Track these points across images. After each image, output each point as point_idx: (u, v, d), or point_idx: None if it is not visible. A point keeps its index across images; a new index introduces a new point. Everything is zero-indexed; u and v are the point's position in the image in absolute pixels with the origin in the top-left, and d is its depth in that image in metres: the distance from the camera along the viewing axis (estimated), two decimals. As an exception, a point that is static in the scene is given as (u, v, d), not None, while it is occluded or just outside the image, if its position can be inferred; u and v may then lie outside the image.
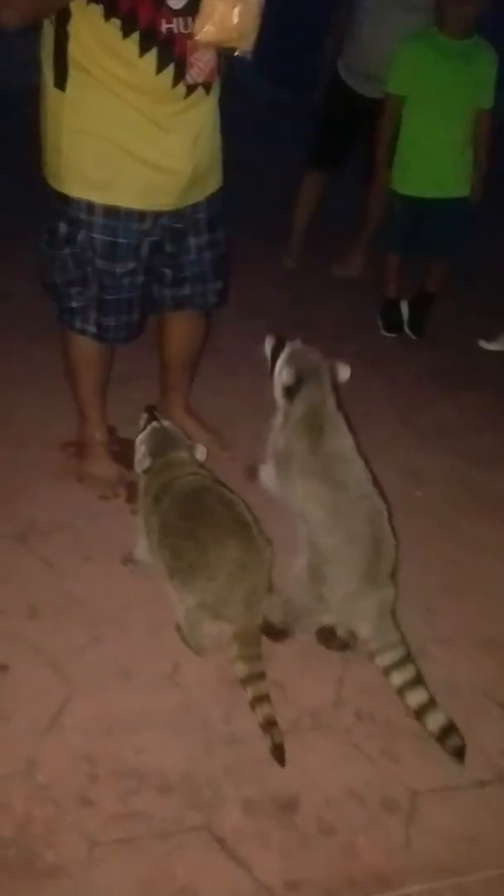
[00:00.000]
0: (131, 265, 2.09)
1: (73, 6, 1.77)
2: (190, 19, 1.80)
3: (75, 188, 1.98)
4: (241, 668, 1.81)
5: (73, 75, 1.86)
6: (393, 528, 1.96)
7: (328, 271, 4.01)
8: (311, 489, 1.91)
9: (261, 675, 1.80)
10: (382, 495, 1.98)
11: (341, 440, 1.95)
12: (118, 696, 1.86)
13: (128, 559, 2.17)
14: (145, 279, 2.17)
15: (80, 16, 1.78)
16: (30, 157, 2.17)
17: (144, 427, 2.10)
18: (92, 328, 2.18)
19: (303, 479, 1.92)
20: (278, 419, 1.98)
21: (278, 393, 1.97)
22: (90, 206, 1.99)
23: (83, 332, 2.20)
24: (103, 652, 1.97)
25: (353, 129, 3.71)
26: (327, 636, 2.00)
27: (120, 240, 2.03)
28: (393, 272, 3.54)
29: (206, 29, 1.73)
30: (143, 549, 2.06)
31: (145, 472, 2.04)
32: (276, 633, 1.97)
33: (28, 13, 1.77)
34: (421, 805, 1.70)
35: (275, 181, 4.06)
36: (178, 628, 1.96)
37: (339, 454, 1.94)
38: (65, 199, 2.01)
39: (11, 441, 2.62)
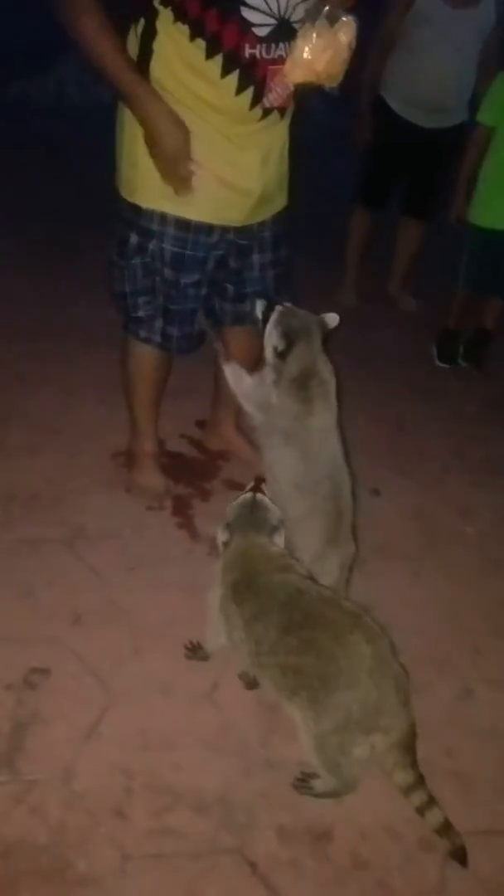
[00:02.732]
0: (196, 276, 2.12)
1: (159, 24, 1.81)
2: (273, 45, 1.83)
3: (149, 200, 2.01)
4: (403, 777, 1.62)
5: None
6: (355, 500, 2.10)
7: (385, 300, 4.00)
8: (285, 456, 2.00)
9: (422, 779, 1.63)
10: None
11: (327, 415, 2.02)
12: (157, 711, 1.86)
13: (194, 649, 1.96)
14: (208, 292, 2.19)
15: (166, 34, 1.82)
16: (96, 170, 2.21)
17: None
18: (157, 337, 2.21)
19: (283, 441, 2.01)
20: (270, 375, 2.03)
21: (269, 354, 2.02)
22: (163, 217, 2.02)
23: (148, 340, 2.22)
24: (144, 664, 1.97)
25: (403, 165, 3.62)
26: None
27: (188, 252, 2.06)
28: (459, 307, 3.50)
29: (294, 71, 1.79)
30: (215, 635, 1.86)
31: (224, 545, 1.82)
32: None
33: (72, 35, 1.81)
34: (458, 847, 1.66)
35: (338, 209, 4.06)
36: (306, 779, 1.71)
37: (323, 430, 2.01)
38: (137, 210, 2.04)
39: (66, 447, 2.65)
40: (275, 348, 2.01)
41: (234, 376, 2.18)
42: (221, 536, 1.82)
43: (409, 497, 2.69)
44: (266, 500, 1.84)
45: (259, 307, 2.08)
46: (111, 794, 1.68)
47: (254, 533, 1.80)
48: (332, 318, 2.07)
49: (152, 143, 1.90)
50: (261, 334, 2.45)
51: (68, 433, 2.72)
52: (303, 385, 2.00)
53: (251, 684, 1.90)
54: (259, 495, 1.84)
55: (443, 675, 2.04)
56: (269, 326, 2.04)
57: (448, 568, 2.41)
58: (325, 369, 2.04)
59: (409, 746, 1.63)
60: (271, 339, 2.03)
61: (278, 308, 2.06)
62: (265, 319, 2.06)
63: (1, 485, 2.46)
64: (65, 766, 1.71)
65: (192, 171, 1.92)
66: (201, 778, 1.73)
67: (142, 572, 2.23)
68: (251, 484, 1.89)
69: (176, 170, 1.92)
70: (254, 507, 1.82)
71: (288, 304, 2.09)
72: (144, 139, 1.91)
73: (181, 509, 2.48)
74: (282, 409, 2.02)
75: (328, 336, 2.07)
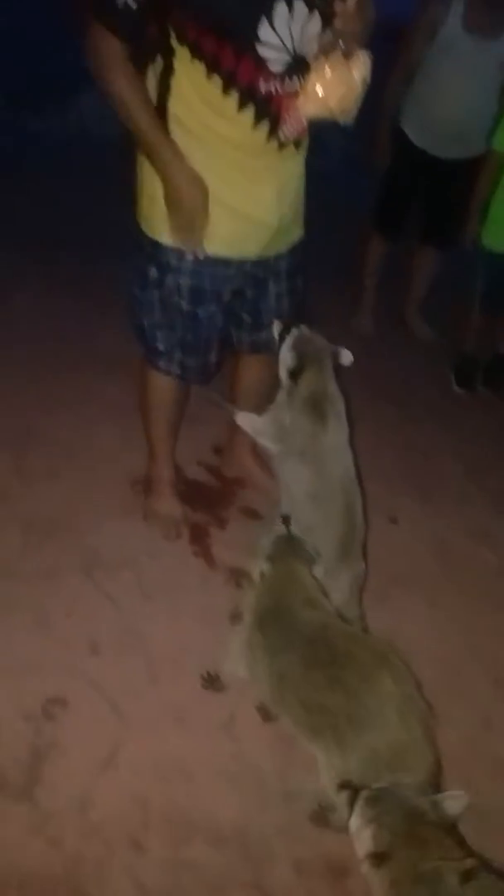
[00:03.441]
0: (214, 309, 2.14)
1: (176, 63, 1.84)
2: (288, 80, 1.85)
3: (167, 235, 2.04)
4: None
5: (171, 128, 1.92)
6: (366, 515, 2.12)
7: (402, 325, 4.00)
8: (301, 472, 2.05)
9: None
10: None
11: (340, 433, 2.09)
12: (173, 741, 1.85)
13: (211, 680, 1.97)
14: (224, 322, 2.21)
15: (183, 72, 1.85)
16: (115, 201, 2.24)
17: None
18: (176, 369, 2.23)
19: (298, 460, 2.06)
20: (283, 396, 2.12)
21: (283, 374, 2.11)
22: (180, 253, 2.04)
23: (167, 372, 2.24)
24: (161, 694, 1.97)
25: (419, 194, 3.62)
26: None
27: (206, 285, 2.08)
28: (473, 330, 3.51)
29: (307, 106, 1.81)
30: (235, 664, 1.85)
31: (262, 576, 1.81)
32: None
33: (104, 90, 1.86)
34: (479, 883, 1.63)
35: (353, 236, 4.08)
36: (324, 812, 1.70)
37: (337, 448, 2.08)
38: (156, 245, 2.06)
39: (84, 474, 2.66)
40: (288, 370, 2.10)
41: (246, 420, 2.24)
42: (264, 567, 1.80)
43: (427, 523, 2.68)
44: (299, 534, 1.86)
45: (276, 327, 2.16)
46: (128, 825, 1.67)
47: (294, 560, 1.80)
48: (346, 355, 2.14)
49: (170, 200, 1.94)
50: (275, 362, 2.48)
51: (86, 459, 2.74)
52: (315, 405, 2.07)
53: (268, 716, 1.88)
54: (293, 529, 1.86)
55: (462, 706, 2.03)
56: (283, 349, 2.12)
57: (467, 596, 2.39)
58: (336, 392, 2.11)
59: (435, 786, 1.60)
60: (285, 361, 2.11)
61: (294, 331, 2.12)
62: (281, 340, 2.14)
63: (20, 511, 2.48)
64: (82, 796, 1.71)
65: (204, 228, 1.97)
66: (218, 809, 1.72)
67: (158, 601, 2.23)
68: (280, 520, 1.91)
69: (191, 226, 1.96)
70: (291, 540, 1.84)
71: (304, 328, 2.15)
72: (164, 194, 1.95)
73: (198, 537, 2.48)
74: (295, 428, 2.08)
75: (339, 370, 2.13)
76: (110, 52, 1.80)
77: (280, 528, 1.89)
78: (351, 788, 1.48)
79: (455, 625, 2.27)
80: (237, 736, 1.88)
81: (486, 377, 3.56)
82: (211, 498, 2.66)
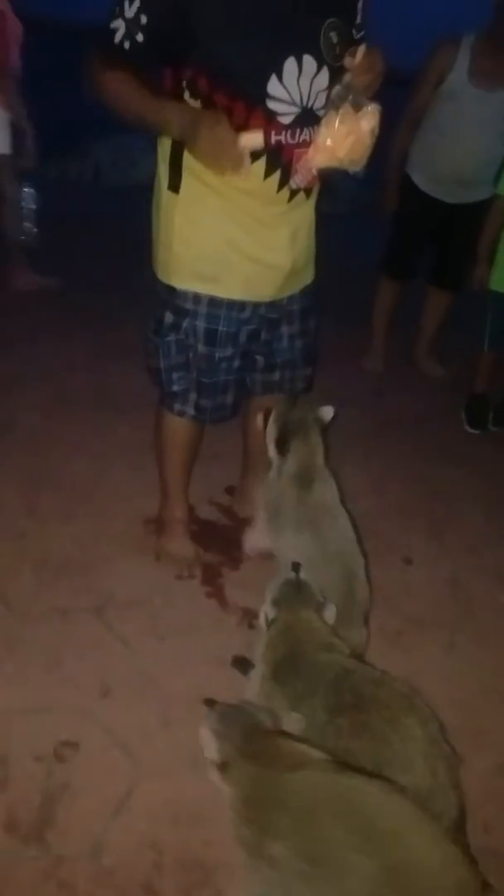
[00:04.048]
0: (230, 351, 2.17)
1: None
2: (298, 131, 1.91)
3: (183, 281, 2.08)
4: None
5: (186, 180, 1.98)
6: (368, 576, 2.07)
7: (412, 364, 4.03)
8: (296, 540, 2.05)
9: (475, 865, 1.51)
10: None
11: (329, 493, 2.13)
12: (186, 785, 1.82)
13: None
14: (241, 364, 2.24)
15: None
16: (127, 245, 2.28)
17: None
18: (191, 410, 2.25)
19: (291, 529, 2.09)
20: (273, 474, 2.17)
21: (272, 452, 2.17)
22: (196, 297, 2.08)
23: (182, 413, 2.27)
24: (173, 737, 1.94)
25: (428, 237, 3.70)
26: None
27: (221, 328, 2.12)
28: (484, 371, 3.54)
29: (318, 157, 1.85)
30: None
31: (268, 625, 1.79)
32: None
33: (103, 100, 1.90)
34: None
35: (364, 278, 4.13)
36: None
37: (326, 506, 2.10)
38: (171, 291, 2.11)
39: (96, 514, 2.67)
40: (275, 441, 2.16)
41: (249, 540, 2.40)
42: (270, 613, 1.78)
43: (442, 564, 2.66)
44: (307, 580, 1.83)
45: (260, 419, 2.24)
46: (141, 870, 1.65)
47: (301, 608, 1.78)
48: (328, 412, 2.21)
49: (193, 147, 1.85)
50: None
51: (99, 499, 2.75)
52: (302, 476, 2.11)
53: None
54: (302, 576, 1.83)
55: (479, 749, 1.99)
56: (269, 424, 2.19)
57: (484, 638, 2.37)
58: (323, 466, 2.15)
59: (459, 831, 1.57)
60: (271, 434, 2.18)
61: (276, 407, 2.20)
62: (265, 422, 2.21)
63: (33, 551, 2.49)
64: (94, 840, 1.69)
65: (236, 148, 1.80)
66: (232, 854, 1.68)
67: (171, 642, 2.22)
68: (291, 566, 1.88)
69: (226, 152, 1.81)
70: (299, 586, 1.81)
71: (285, 401, 2.23)
72: (193, 152, 1.86)
73: (210, 578, 2.48)
74: (284, 497, 2.11)
75: (326, 428, 2.20)
76: (106, 69, 1.85)
77: (290, 574, 1.85)
78: (208, 703, 1.57)
79: (471, 667, 2.24)
80: (251, 779, 1.85)
81: (498, 416, 3.57)
82: (224, 538, 2.66)
